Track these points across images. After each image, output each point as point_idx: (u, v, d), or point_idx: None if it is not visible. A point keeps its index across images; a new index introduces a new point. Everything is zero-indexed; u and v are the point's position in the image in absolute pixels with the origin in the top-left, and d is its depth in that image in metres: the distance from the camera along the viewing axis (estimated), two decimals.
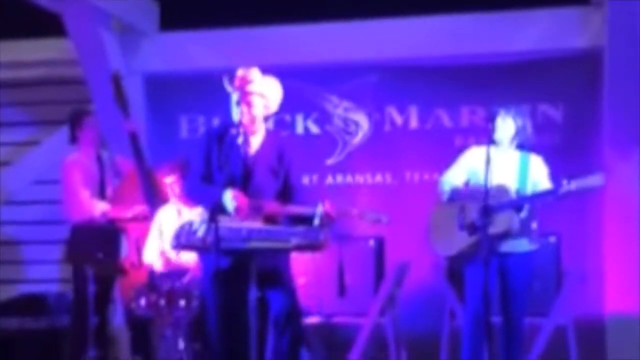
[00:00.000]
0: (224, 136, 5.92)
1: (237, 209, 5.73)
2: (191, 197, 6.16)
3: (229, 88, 5.93)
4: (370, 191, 8.90)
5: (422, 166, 8.80)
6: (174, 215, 7.28)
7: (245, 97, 5.88)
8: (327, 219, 5.65)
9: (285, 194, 5.96)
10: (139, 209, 7.63)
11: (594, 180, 6.14)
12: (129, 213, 7.67)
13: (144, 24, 9.14)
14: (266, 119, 6.07)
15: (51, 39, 9.17)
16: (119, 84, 7.75)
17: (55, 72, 9.44)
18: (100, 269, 7.33)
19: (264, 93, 5.93)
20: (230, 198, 5.73)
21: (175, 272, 7.16)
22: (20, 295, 8.85)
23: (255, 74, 5.94)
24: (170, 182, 7.49)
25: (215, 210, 5.53)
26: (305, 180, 8.32)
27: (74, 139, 7.87)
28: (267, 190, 5.91)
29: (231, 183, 5.81)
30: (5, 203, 9.64)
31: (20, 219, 9.56)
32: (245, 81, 5.90)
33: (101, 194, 7.79)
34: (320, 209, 5.64)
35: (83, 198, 7.68)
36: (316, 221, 5.64)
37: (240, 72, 5.93)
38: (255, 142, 5.99)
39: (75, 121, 7.87)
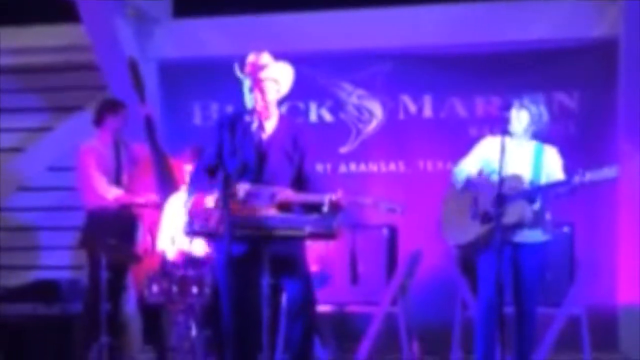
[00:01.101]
0: (236, 123, 5.90)
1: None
2: (191, 186, 6.07)
3: (240, 75, 5.90)
4: (384, 180, 8.87)
5: (435, 155, 8.77)
6: None
7: (258, 84, 5.85)
8: (335, 207, 5.63)
9: (300, 181, 5.94)
10: (151, 196, 7.63)
11: (608, 172, 6.09)
12: (140, 199, 7.68)
13: (158, 11, 9.12)
14: (279, 103, 6.05)
15: (65, 25, 9.13)
16: (136, 69, 7.74)
17: (69, 58, 9.41)
18: (114, 255, 7.34)
19: (277, 78, 5.89)
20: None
21: (187, 259, 7.15)
22: (34, 281, 8.86)
23: (266, 58, 5.90)
24: (190, 169, 7.45)
25: (227, 197, 5.50)
26: (319, 168, 8.29)
27: (98, 122, 7.85)
28: (281, 176, 5.88)
29: (245, 170, 5.79)
30: (19, 189, 9.66)
31: (34, 205, 9.57)
32: (257, 67, 5.86)
33: (117, 181, 7.80)
34: (328, 197, 5.62)
35: (97, 183, 7.69)
36: (324, 209, 5.62)
37: (251, 58, 5.90)
38: (269, 126, 5.95)
39: (109, 108, 7.85)
